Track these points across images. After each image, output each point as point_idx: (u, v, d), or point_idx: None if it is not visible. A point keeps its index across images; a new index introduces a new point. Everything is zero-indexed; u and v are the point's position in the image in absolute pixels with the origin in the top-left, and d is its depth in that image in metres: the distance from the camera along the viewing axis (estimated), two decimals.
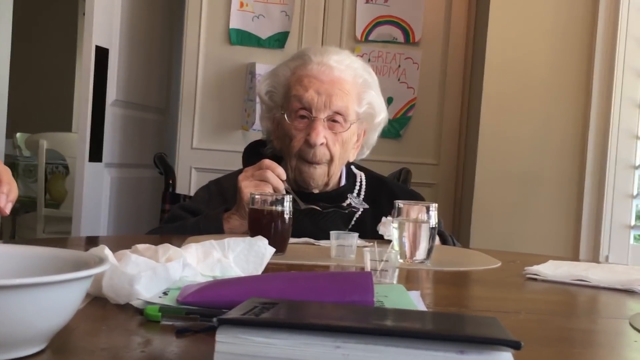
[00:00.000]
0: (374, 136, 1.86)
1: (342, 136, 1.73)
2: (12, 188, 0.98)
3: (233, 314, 0.62)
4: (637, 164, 2.62)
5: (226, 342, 0.59)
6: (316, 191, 1.76)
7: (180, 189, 3.00)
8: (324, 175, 1.74)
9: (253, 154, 1.83)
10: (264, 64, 3.01)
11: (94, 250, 0.82)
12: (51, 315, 0.60)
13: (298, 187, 1.76)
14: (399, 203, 1.37)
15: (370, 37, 3.11)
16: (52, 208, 4.77)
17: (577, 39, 2.68)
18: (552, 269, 1.27)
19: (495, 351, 0.59)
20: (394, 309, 0.80)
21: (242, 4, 3.11)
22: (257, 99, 3.00)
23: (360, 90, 1.76)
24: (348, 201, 1.75)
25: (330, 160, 1.73)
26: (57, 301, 0.59)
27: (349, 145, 1.77)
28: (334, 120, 1.71)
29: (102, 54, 2.90)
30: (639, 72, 2.62)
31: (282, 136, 1.77)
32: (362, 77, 1.77)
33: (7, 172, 1.00)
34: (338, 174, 1.80)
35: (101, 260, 0.67)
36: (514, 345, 0.58)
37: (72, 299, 0.62)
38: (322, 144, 1.70)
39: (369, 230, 1.61)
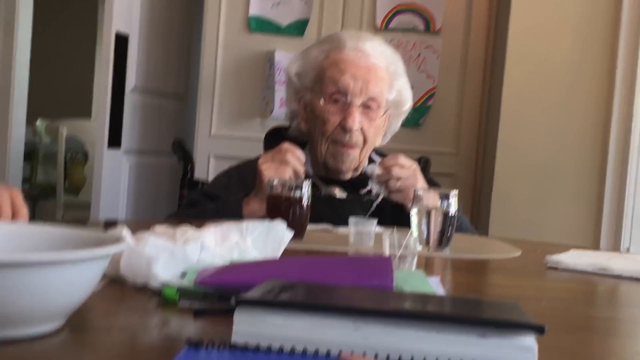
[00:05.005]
0: (398, 123, 1.87)
1: (376, 122, 1.73)
2: (23, 214, 0.99)
3: (251, 294, 0.62)
4: None
5: (244, 322, 0.59)
6: (348, 176, 1.76)
7: (199, 176, 3.01)
8: (357, 159, 1.75)
9: (274, 139, 1.83)
10: (284, 51, 3.00)
11: (112, 231, 0.82)
12: (69, 292, 0.59)
13: (326, 171, 1.76)
14: (419, 190, 1.36)
15: (391, 26, 3.09)
16: (72, 195, 4.80)
17: (600, 27, 2.64)
18: (574, 259, 1.26)
19: (518, 335, 0.57)
20: (413, 293, 0.79)
21: None
22: (276, 87, 3.01)
23: (392, 77, 1.77)
24: (369, 187, 1.74)
25: (364, 144, 1.73)
26: (74, 279, 0.59)
27: (379, 131, 1.78)
28: (367, 106, 1.71)
29: (122, 41, 2.90)
30: None
31: (312, 118, 1.76)
32: (394, 65, 1.78)
33: (17, 197, 1.00)
34: (367, 158, 1.80)
35: (119, 240, 0.67)
36: (538, 330, 0.57)
37: (90, 277, 0.61)
38: (357, 129, 1.70)
39: (388, 217, 1.60)
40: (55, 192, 4.70)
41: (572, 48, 2.66)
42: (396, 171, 1.60)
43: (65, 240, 0.70)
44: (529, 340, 0.57)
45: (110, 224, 1.66)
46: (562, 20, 2.66)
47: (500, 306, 0.68)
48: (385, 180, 1.61)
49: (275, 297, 0.62)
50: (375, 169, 1.62)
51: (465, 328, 0.58)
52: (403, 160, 1.63)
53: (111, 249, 0.62)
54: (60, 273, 0.57)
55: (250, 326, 0.59)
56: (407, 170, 1.61)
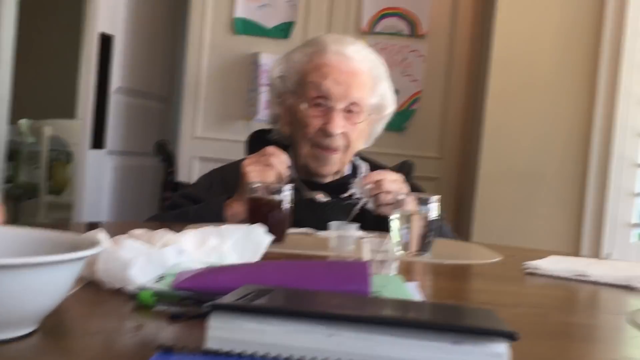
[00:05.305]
0: (380, 127, 1.87)
1: (359, 126, 1.73)
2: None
3: (226, 299, 0.62)
4: None
5: (218, 327, 0.59)
6: (329, 179, 1.77)
7: (182, 178, 3.00)
8: (338, 162, 1.75)
9: (257, 142, 1.83)
10: (269, 53, 3.00)
11: (88, 234, 0.82)
12: (42, 296, 0.59)
13: (308, 174, 1.76)
14: (400, 195, 1.36)
15: (376, 29, 3.10)
16: (54, 195, 4.78)
17: (583, 35, 2.66)
18: (553, 264, 1.26)
19: (490, 342, 0.58)
20: (389, 299, 0.79)
21: None
22: (261, 89, 3.01)
23: (375, 81, 1.77)
24: (351, 191, 1.74)
25: (346, 148, 1.74)
26: (47, 283, 0.59)
27: (362, 135, 1.78)
28: (349, 111, 1.72)
29: (106, 41, 2.89)
30: None
31: (295, 122, 1.77)
32: (377, 69, 1.79)
33: None
34: (349, 162, 1.80)
35: (94, 243, 0.66)
36: (510, 336, 0.58)
37: (63, 281, 0.61)
38: (339, 133, 1.70)
39: (370, 222, 1.61)
40: (38, 192, 4.68)
41: (556, 54, 2.68)
42: (386, 185, 1.59)
43: (41, 243, 0.70)
44: (501, 347, 0.58)
45: (93, 226, 1.65)
46: (546, 26, 2.68)
47: (475, 313, 0.68)
48: (375, 193, 1.59)
49: (250, 303, 0.62)
50: (362, 182, 1.61)
51: (438, 335, 0.58)
52: (391, 174, 1.62)
53: (85, 253, 0.61)
54: (33, 277, 0.57)
55: (224, 331, 0.59)
56: (397, 183, 1.61)
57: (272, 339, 0.58)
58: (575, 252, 2.61)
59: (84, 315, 0.73)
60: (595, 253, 2.59)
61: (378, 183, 1.59)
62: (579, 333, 0.85)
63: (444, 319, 0.66)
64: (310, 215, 1.62)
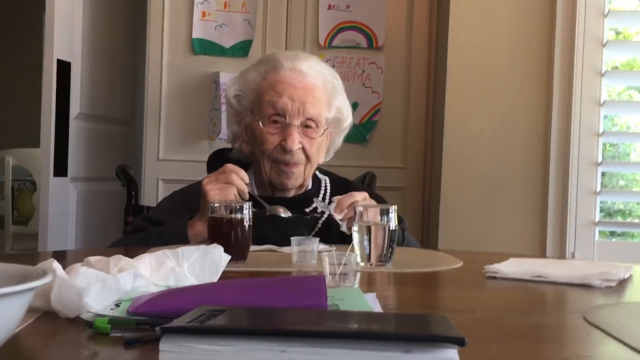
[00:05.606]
0: (340, 140, 1.88)
1: (317, 141, 1.75)
2: None
3: (178, 322, 0.62)
4: (599, 161, 2.65)
5: (170, 350, 0.59)
6: (292, 193, 1.77)
7: (148, 200, 2.98)
8: (301, 176, 1.76)
9: (218, 161, 1.83)
10: (228, 72, 3.01)
11: (41, 264, 0.81)
12: None
13: (272, 190, 1.77)
14: (359, 206, 1.37)
15: (334, 43, 3.12)
16: (21, 225, 4.71)
17: (536, 39, 2.71)
18: (512, 267, 1.28)
19: (440, 348, 0.59)
20: (342, 312, 0.80)
21: (204, 14, 3.10)
22: (223, 108, 3.01)
23: (330, 96, 1.79)
24: (314, 205, 1.75)
25: (307, 162, 1.75)
26: None
27: (322, 149, 1.80)
28: (307, 126, 1.73)
29: (64, 68, 2.87)
30: (598, 70, 2.66)
31: (252, 140, 1.78)
32: (331, 83, 1.80)
33: None
34: (311, 175, 1.81)
35: (43, 274, 0.66)
36: (458, 342, 0.59)
37: (12, 314, 0.61)
38: (298, 148, 1.71)
39: (334, 235, 1.61)
40: (3, 223, 4.61)
41: (511, 59, 2.72)
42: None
43: None
44: (452, 353, 0.59)
45: (59, 256, 1.64)
46: (499, 32, 2.72)
47: (428, 320, 0.69)
48: (351, 217, 1.55)
49: (202, 323, 0.62)
50: (334, 209, 1.58)
51: (389, 344, 0.59)
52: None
53: (31, 284, 0.61)
54: None
55: (177, 354, 0.59)
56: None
57: (225, 358, 0.59)
58: (541, 252, 2.65)
59: (39, 346, 0.73)
60: (560, 253, 2.63)
61: (351, 206, 1.56)
62: (535, 334, 0.87)
63: (396, 328, 0.67)
64: (272, 231, 1.62)
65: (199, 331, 0.60)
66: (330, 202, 1.66)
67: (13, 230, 4.58)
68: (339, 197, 1.60)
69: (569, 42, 2.66)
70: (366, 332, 0.62)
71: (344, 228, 1.55)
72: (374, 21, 3.12)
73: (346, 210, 1.54)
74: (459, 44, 2.74)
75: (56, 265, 0.83)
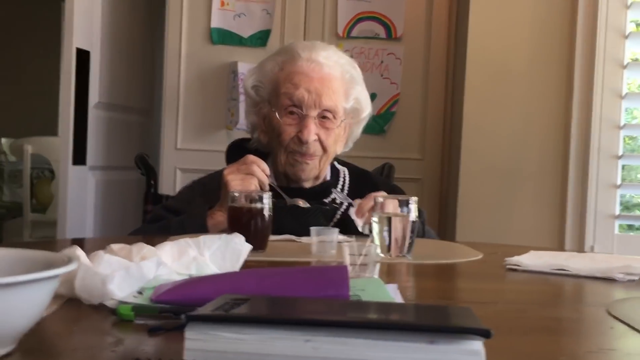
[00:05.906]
0: (359, 130, 1.88)
1: (334, 132, 1.74)
2: None
3: (202, 310, 0.62)
4: (620, 154, 2.63)
5: (195, 338, 0.59)
6: (308, 185, 1.77)
7: (165, 189, 3.00)
8: (316, 168, 1.75)
9: (236, 151, 1.83)
10: (246, 62, 3.01)
11: (65, 251, 0.82)
12: (16, 316, 0.59)
13: (288, 181, 1.77)
14: (379, 197, 1.37)
15: (352, 34, 3.11)
16: (39, 213, 4.75)
17: (557, 30, 2.68)
18: (533, 260, 1.28)
19: (466, 340, 0.58)
20: (366, 302, 0.80)
21: (223, 3, 3.10)
22: (241, 98, 3.01)
23: (348, 86, 1.78)
24: (332, 196, 1.75)
25: (323, 153, 1.74)
26: (22, 302, 0.59)
27: (339, 140, 1.79)
28: (324, 117, 1.73)
29: (83, 56, 2.88)
30: (620, 62, 2.63)
31: (270, 130, 1.78)
32: (349, 73, 1.79)
33: None
34: (328, 167, 1.81)
35: (69, 260, 0.66)
36: (484, 334, 0.58)
37: (38, 300, 0.61)
38: (314, 140, 1.71)
39: (352, 225, 1.61)
40: (22, 210, 4.65)
41: (531, 51, 2.70)
42: None
43: (15, 262, 0.70)
44: (477, 345, 0.58)
45: (77, 243, 1.65)
46: (520, 24, 2.70)
47: (452, 312, 0.69)
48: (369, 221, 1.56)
49: (227, 312, 0.62)
50: (355, 212, 1.59)
51: (414, 335, 0.59)
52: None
53: (58, 271, 0.61)
54: (6, 297, 0.57)
55: (201, 342, 0.59)
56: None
57: (249, 347, 0.59)
58: (559, 246, 2.63)
59: (63, 332, 0.73)
60: (579, 246, 2.61)
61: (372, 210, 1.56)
62: (557, 326, 0.86)
63: (420, 319, 0.66)
64: (291, 221, 1.62)
65: (225, 319, 0.60)
66: (350, 205, 1.66)
67: (31, 217, 4.62)
68: (359, 200, 1.60)
69: (590, 33, 2.63)
70: (391, 322, 0.61)
71: (365, 230, 1.55)
72: (393, 12, 3.10)
73: (367, 215, 1.54)
74: (478, 36, 2.72)
75: (79, 252, 0.83)
